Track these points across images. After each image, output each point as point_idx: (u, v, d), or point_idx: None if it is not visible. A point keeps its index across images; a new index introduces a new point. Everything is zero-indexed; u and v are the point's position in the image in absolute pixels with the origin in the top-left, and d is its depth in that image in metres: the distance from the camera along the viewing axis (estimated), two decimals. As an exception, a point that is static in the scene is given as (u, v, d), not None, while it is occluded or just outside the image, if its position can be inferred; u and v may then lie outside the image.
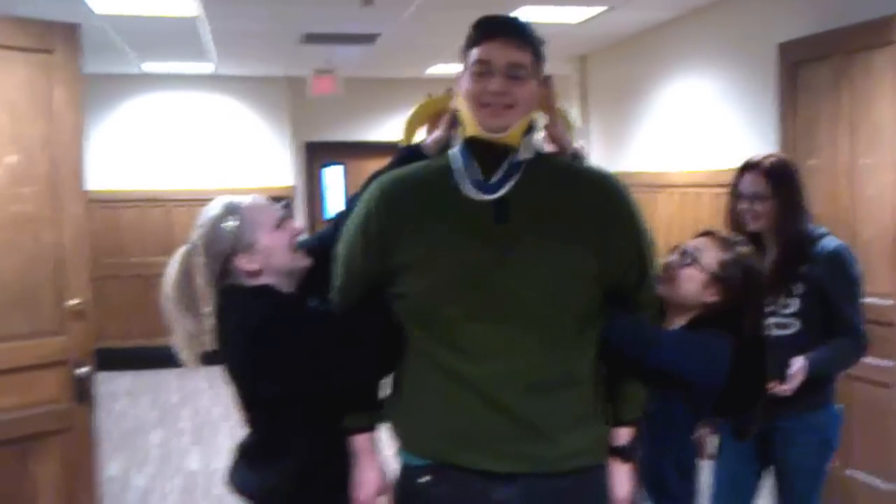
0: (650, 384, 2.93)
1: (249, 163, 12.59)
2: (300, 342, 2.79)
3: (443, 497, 2.68)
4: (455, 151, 2.74)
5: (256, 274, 2.96)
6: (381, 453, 2.97)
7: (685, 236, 7.97)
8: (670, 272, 3.19)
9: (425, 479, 2.71)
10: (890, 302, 5.83)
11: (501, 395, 2.60)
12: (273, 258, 2.96)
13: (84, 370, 5.09)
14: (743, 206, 4.10)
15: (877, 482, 6.05)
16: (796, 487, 4.18)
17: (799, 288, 4.03)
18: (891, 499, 5.92)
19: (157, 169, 12.19)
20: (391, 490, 2.90)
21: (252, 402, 3.01)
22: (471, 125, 2.64)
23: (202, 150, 12.38)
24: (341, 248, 2.82)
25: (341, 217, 3.02)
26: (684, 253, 3.24)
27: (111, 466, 7.65)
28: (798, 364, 3.89)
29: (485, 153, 2.64)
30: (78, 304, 5.10)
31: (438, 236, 2.64)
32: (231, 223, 2.96)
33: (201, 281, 2.97)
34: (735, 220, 4.18)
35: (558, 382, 2.65)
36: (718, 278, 3.17)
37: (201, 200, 10.90)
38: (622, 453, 2.88)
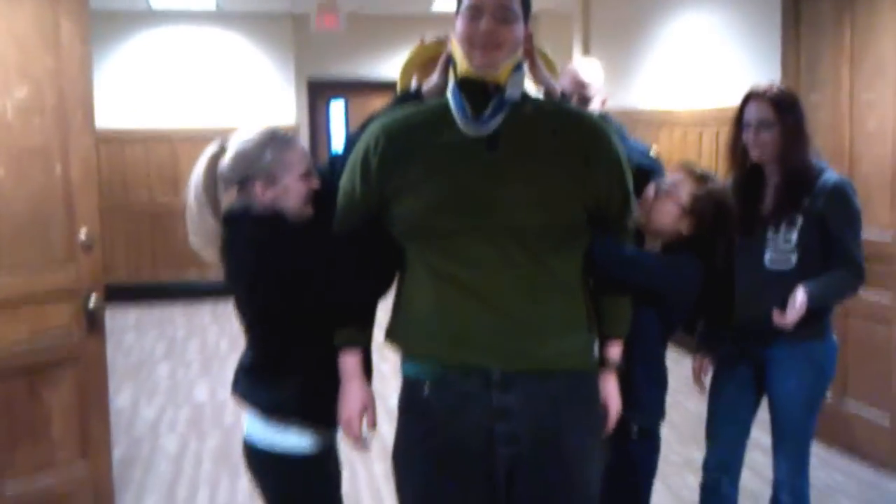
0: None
1: (253, 99, 12.61)
2: (301, 261, 2.99)
3: (444, 406, 2.84)
4: (449, 92, 2.89)
5: (269, 201, 3.14)
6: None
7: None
8: (648, 204, 3.46)
9: (427, 389, 2.87)
10: (888, 236, 5.90)
11: (498, 297, 2.78)
12: (285, 200, 3.15)
13: (94, 300, 5.17)
14: (748, 134, 4.10)
15: (874, 414, 6.15)
16: (792, 417, 4.21)
17: (799, 220, 4.05)
18: (887, 431, 6.02)
19: (161, 106, 12.22)
20: (374, 409, 3.10)
21: (255, 318, 3.19)
22: (463, 65, 2.82)
23: (206, 86, 12.40)
24: (344, 180, 3.00)
25: (338, 157, 3.23)
26: (661, 187, 3.49)
27: (120, 398, 7.76)
28: (799, 296, 3.92)
29: (476, 92, 2.80)
30: (88, 235, 5.17)
31: (434, 162, 2.83)
32: (268, 154, 3.14)
33: (221, 185, 3.19)
34: (738, 151, 4.20)
35: (549, 289, 2.84)
36: (691, 211, 3.44)
37: (206, 137, 10.93)
38: (613, 367, 3.13)
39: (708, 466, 4.34)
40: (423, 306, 2.87)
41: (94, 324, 5.22)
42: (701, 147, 8.63)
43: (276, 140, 3.18)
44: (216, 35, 12.42)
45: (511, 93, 2.83)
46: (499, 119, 2.81)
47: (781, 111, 4.02)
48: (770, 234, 4.07)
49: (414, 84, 3.47)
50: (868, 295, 5.87)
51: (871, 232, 5.69)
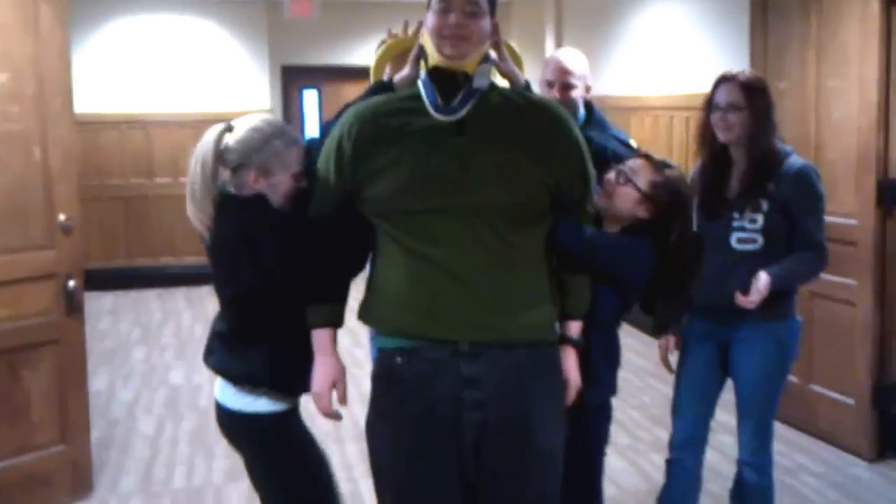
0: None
1: (227, 86, 12.60)
2: (279, 250, 3.16)
3: (415, 375, 2.98)
4: (420, 82, 3.08)
5: (256, 189, 3.29)
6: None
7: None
8: (609, 189, 3.60)
9: (398, 359, 3.01)
10: (853, 221, 5.99)
11: (466, 273, 2.93)
12: (273, 193, 3.29)
13: (73, 283, 5.26)
14: (716, 116, 4.20)
15: (837, 396, 6.27)
16: (756, 396, 4.31)
17: (764, 204, 4.14)
18: (850, 411, 6.13)
19: (136, 91, 12.19)
20: (344, 383, 3.24)
21: (233, 296, 3.35)
22: (434, 57, 3.00)
23: (180, 72, 12.37)
24: (320, 165, 3.15)
25: (314, 144, 3.37)
26: (621, 172, 3.61)
27: (97, 381, 7.79)
28: (762, 279, 4.02)
29: (446, 81, 2.98)
30: (67, 219, 5.25)
31: (405, 147, 2.98)
32: (271, 147, 3.27)
33: (227, 155, 3.30)
34: (706, 133, 4.30)
35: (515, 265, 3.00)
36: (649, 196, 3.57)
37: (180, 123, 10.94)
38: (573, 343, 3.29)
39: (673, 443, 4.43)
40: (396, 283, 3.00)
41: (73, 306, 5.31)
42: (672, 132, 8.74)
43: (282, 136, 3.31)
44: (190, 21, 12.38)
45: (479, 82, 3.00)
46: (467, 107, 2.98)
47: (751, 95, 4.12)
48: (736, 217, 4.17)
49: (387, 75, 3.67)
50: (833, 279, 5.99)
51: (837, 217, 5.82)
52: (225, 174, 3.32)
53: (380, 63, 3.81)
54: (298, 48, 13.32)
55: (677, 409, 4.45)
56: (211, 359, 3.46)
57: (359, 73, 13.53)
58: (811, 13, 6.31)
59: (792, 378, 6.20)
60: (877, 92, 5.82)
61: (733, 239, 4.18)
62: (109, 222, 11.92)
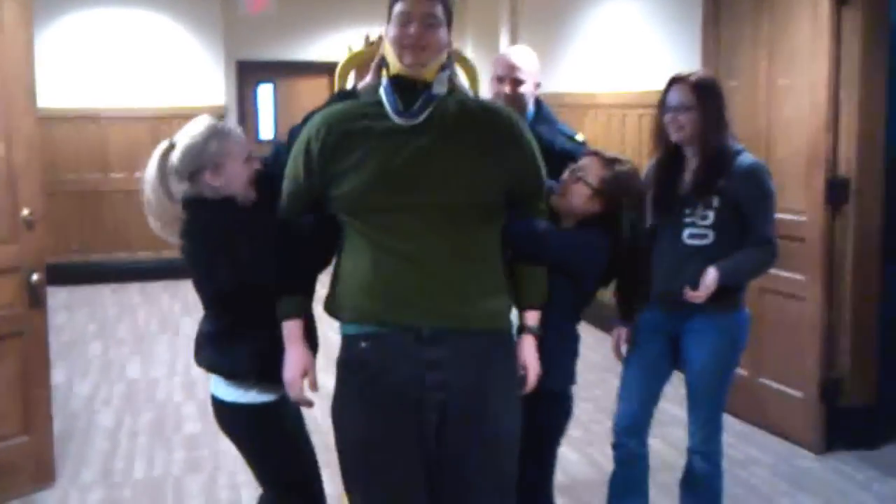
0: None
1: (182, 81, 12.58)
2: (252, 248, 3.40)
3: (379, 359, 3.15)
4: (382, 88, 3.27)
5: (218, 188, 3.52)
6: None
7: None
8: (563, 186, 3.84)
9: (364, 345, 3.18)
10: (802, 218, 6.12)
11: (429, 264, 3.12)
12: (232, 184, 3.53)
13: (36, 277, 5.31)
14: (668, 117, 4.33)
15: (786, 389, 6.40)
16: (705, 385, 4.44)
17: (716, 201, 4.26)
18: (798, 405, 6.27)
19: (90, 86, 12.14)
20: (314, 371, 3.37)
21: (213, 296, 3.58)
22: (395, 65, 3.21)
23: (135, 67, 12.32)
24: (288, 168, 3.35)
25: (281, 147, 3.60)
26: (573, 170, 3.85)
27: (55, 375, 7.69)
28: (710, 275, 4.15)
29: (406, 89, 3.18)
30: (30, 214, 5.30)
31: (370, 149, 3.17)
32: (213, 145, 3.50)
33: (174, 177, 3.54)
34: (660, 133, 4.43)
35: (474, 257, 3.20)
36: (600, 191, 3.80)
37: (135, 118, 10.92)
38: (532, 331, 3.48)
39: (616, 428, 4.56)
40: (362, 273, 3.17)
41: (36, 300, 5.38)
42: (625, 129, 8.85)
43: (217, 132, 3.55)
44: (145, 16, 12.35)
45: (437, 89, 3.20)
46: (427, 112, 3.17)
47: (701, 96, 4.25)
48: (688, 213, 4.30)
49: (350, 83, 3.91)
50: (783, 274, 6.12)
51: (786, 214, 5.95)
52: (184, 185, 3.54)
53: (344, 71, 4.00)
54: (254, 43, 13.33)
55: (622, 394, 4.59)
56: (200, 358, 3.67)
57: (314, 67, 13.66)
58: (763, 13, 6.44)
59: (742, 372, 6.38)
60: (826, 91, 5.94)
61: (685, 234, 4.31)
62: (64, 217, 11.86)
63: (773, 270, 5.68)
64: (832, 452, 6.16)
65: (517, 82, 4.55)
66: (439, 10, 3.19)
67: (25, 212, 5.29)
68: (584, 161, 3.90)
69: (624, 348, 4.56)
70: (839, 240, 6.06)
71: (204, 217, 3.50)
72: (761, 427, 6.58)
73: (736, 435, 6.40)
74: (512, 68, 4.55)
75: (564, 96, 9.73)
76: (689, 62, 7.20)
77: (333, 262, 3.38)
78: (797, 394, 6.30)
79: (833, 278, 6.09)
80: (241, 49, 13.27)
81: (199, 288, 3.61)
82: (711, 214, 4.25)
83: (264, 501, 3.86)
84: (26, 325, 5.40)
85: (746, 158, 4.30)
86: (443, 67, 3.25)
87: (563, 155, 3.93)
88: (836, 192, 5.99)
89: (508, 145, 3.26)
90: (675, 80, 4.34)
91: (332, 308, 3.31)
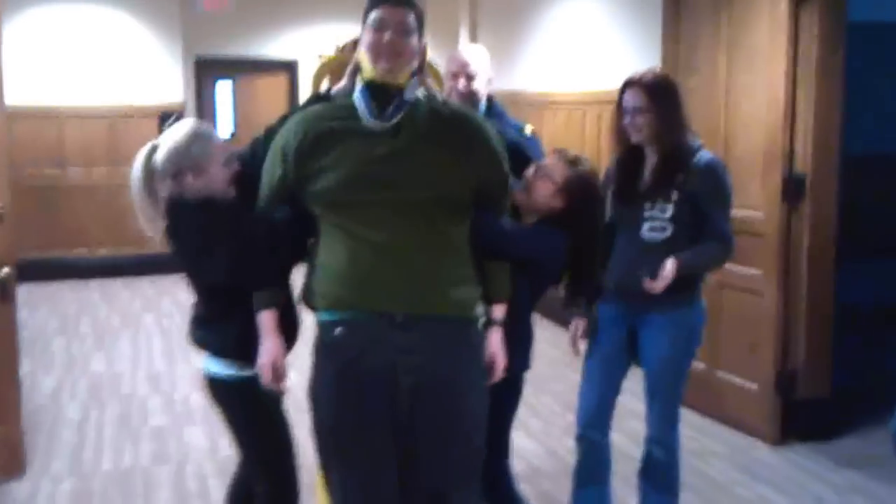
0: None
1: (141, 78, 12.57)
2: (230, 246, 3.62)
3: (354, 344, 3.32)
4: (357, 93, 3.45)
5: (199, 188, 3.71)
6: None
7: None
8: (527, 183, 4.06)
9: (338, 330, 3.34)
10: (760, 214, 6.25)
11: (402, 254, 3.32)
12: (213, 185, 3.73)
13: (5, 271, 5.36)
14: (626, 120, 4.45)
15: (742, 382, 6.53)
16: (663, 376, 4.55)
17: (674, 195, 4.39)
18: (754, 396, 6.40)
19: (48, 83, 12.12)
20: (283, 361, 3.57)
21: (202, 285, 3.83)
22: (369, 71, 3.40)
23: (93, 64, 12.31)
24: (266, 165, 3.55)
25: (258, 145, 3.77)
26: (539, 168, 4.09)
27: (19, 370, 7.82)
28: (668, 265, 4.25)
29: (380, 93, 3.38)
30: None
31: (346, 149, 3.37)
32: (195, 148, 3.71)
33: (158, 177, 3.73)
34: (619, 133, 4.54)
35: (444, 249, 3.41)
36: (563, 189, 4.03)
37: (94, 114, 10.89)
38: (497, 323, 3.68)
39: (579, 421, 4.70)
40: (337, 262, 3.35)
41: (4, 294, 5.41)
42: (584, 128, 8.94)
43: (199, 135, 3.76)
44: (103, 12, 12.33)
45: (409, 94, 3.41)
46: (399, 115, 3.37)
47: (654, 97, 4.38)
48: (647, 207, 4.42)
49: (324, 86, 4.13)
50: (740, 269, 6.26)
51: (744, 210, 6.08)
52: (167, 184, 3.73)
53: (318, 76, 4.25)
54: (212, 40, 13.32)
55: (583, 387, 4.72)
56: (194, 337, 3.92)
57: (273, 65, 13.70)
58: (722, 11, 6.56)
59: (699, 364, 6.51)
60: (784, 90, 6.07)
61: (645, 227, 4.42)
62: (22, 213, 11.80)
63: (730, 266, 5.84)
64: (787, 444, 6.30)
65: (469, 77, 4.72)
66: (412, 19, 3.40)
67: (-7, 206, 5.32)
68: (548, 160, 4.13)
69: (582, 344, 4.68)
70: (795, 236, 6.19)
71: (185, 218, 3.70)
72: (718, 419, 6.71)
73: (694, 427, 6.52)
74: (464, 65, 4.73)
75: (523, 95, 9.82)
76: (648, 60, 7.28)
77: (307, 255, 3.54)
78: (753, 386, 6.43)
79: (789, 274, 6.21)
80: (200, 46, 13.24)
81: (189, 279, 3.85)
82: (670, 208, 4.37)
83: (238, 476, 4.18)
84: (-5, 318, 5.41)
85: (704, 155, 4.42)
86: (413, 74, 3.45)
87: (511, 147, 4.07)
88: (792, 188, 6.12)
89: (476, 147, 3.45)
90: (628, 83, 4.46)
91: (307, 298, 3.48)
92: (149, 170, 3.73)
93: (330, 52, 4.22)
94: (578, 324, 4.64)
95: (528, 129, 4.85)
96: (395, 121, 3.36)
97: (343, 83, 3.74)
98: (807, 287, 6.20)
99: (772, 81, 6.16)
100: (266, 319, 3.54)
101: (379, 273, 3.31)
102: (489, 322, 3.64)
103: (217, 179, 3.73)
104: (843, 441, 6.38)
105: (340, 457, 3.38)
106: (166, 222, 3.74)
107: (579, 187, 4.04)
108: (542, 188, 4.03)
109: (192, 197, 3.70)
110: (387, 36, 3.33)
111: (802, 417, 6.32)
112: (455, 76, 4.75)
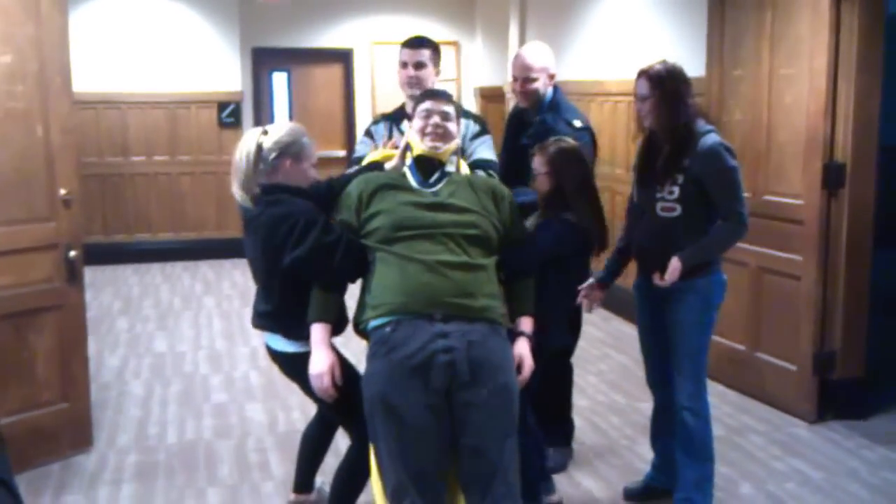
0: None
1: (199, 68, 12.82)
2: (321, 239, 4.14)
3: (401, 337, 3.93)
4: (407, 166, 4.40)
5: (288, 173, 4.39)
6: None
7: (617, 142, 8.56)
8: (536, 182, 4.85)
9: (388, 328, 3.97)
10: (800, 201, 6.35)
11: (441, 269, 4.01)
12: (303, 178, 4.44)
13: (74, 254, 5.62)
14: (636, 106, 4.86)
15: (781, 363, 6.69)
16: (686, 344, 4.83)
17: (680, 178, 4.70)
18: (793, 377, 6.56)
19: (111, 73, 12.40)
20: (337, 369, 4.16)
21: (271, 277, 4.36)
22: (418, 147, 4.35)
23: (153, 54, 12.57)
24: (342, 210, 4.33)
25: (333, 181, 4.57)
26: (534, 168, 4.84)
27: (84, 349, 8.08)
28: (674, 263, 4.63)
29: (426, 165, 4.33)
30: (67, 193, 5.60)
31: (398, 199, 4.21)
32: (302, 140, 4.43)
33: (265, 154, 4.37)
34: (638, 121, 4.93)
35: (476, 270, 4.11)
36: (551, 169, 4.75)
37: (154, 103, 11.12)
38: (525, 334, 4.33)
39: (648, 382, 5.20)
40: (390, 279, 4.04)
41: (73, 274, 5.68)
42: (629, 116, 9.05)
43: (305, 135, 4.47)
44: (162, 4, 12.59)
45: (449, 167, 4.42)
46: (441, 184, 4.29)
47: (656, 86, 4.71)
48: (659, 189, 4.76)
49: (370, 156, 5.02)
50: (780, 254, 6.44)
51: (785, 197, 6.31)
52: (267, 164, 4.35)
53: (374, 157, 4.90)
54: (269, 31, 13.50)
55: (643, 353, 5.19)
56: (259, 321, 4.51)
57: (328, 55, 13.86)
58: (766, 6, 6.71)
59: (740, 346, 6.81)
60: (825, 80, 6.20)
61: (658, 207, 4.79)
62: (86, 200, 12.04)
63: (771, 251, 6.05)
64: (824, 422, 6.46)
65: (528, 81, 5.42)
66: (451, 109, 4.41)
67: (62, 191, 5.58)
68: (535, 159, 4.84)
69: (596, 305, 5.22)
70: (834, 222, 6.30)
71: (283, 203, 4.25)
72: (757, 398, 6.88)
73: (733, 405, 6.75)
74: (525, 69, 5.43)
75: (571, 84, 9.96)
76: (694, 52, 7.47)
77: (361, 285, 4.26)
78: (792, 367, 6.59)
79: (828, 259, 6.34)
80: (257, 36, 13.43)
81: (257, 269, 4.47)
82: (677, 190, 4.70)
83: (315, 418, 5.01)
84: (64, 298, 5.72)
85: (709, 139, 4.68)
86: (454, 151, 4.44)
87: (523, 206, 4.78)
88: (832, 176, 6.23)
89: (497, 203, 4.34)
90: (638, 74, 4.82)
91: (358, 322, 4.16)
92: (258, 143, 4.34)
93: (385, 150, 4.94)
94: (594, 283, 5.07)
95: (578, 122, 5.34)
96: (437, 187, 4.26)
97: (394, 162, 4.55)
98: (844, 272, 6.33)
99: (813, 73, 6.28)
100: (319, 332, 4.18)
101: (422, 283, 3.97)
102: (519, 333, 4.30)
103: (307, 175, 4.44)
104: (877, 419, 6.52)
105: (384, 426, 3.87)
106: (254, 217, 4.31)
107: (563, 159, 4.73)
108: (541, 180, 4.78)
109: (283, 182, 4.33)
110: (433, 120, 4.32)
111: (839, 396, 6.47)
112: (515, 79, 5.44)
